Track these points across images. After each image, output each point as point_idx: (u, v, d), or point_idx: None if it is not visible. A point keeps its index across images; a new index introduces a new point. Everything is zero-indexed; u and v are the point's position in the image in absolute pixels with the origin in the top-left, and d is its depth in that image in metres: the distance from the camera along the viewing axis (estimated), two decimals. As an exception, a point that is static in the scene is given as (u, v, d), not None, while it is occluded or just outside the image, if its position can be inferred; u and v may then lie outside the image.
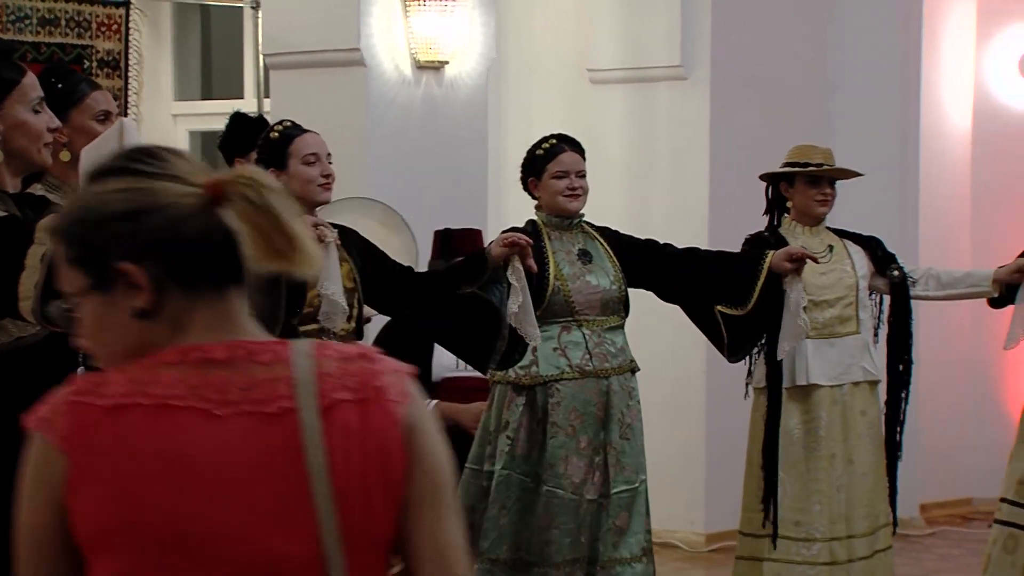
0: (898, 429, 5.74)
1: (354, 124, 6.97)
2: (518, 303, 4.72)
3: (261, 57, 7.73)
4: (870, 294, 5.78)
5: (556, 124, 8.71)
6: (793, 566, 5.53)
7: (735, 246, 5.81)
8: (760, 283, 5.20)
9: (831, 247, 5.72)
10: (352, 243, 4.70)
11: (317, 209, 5.89)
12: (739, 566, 5.70)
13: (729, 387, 8.06)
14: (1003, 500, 5.93)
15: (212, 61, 9.61)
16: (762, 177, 5.95)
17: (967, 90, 9.62)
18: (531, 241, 4.84)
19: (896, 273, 5.69)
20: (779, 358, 5.43)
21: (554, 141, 5.35)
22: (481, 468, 5.20)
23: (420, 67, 7.14)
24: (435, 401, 5.53)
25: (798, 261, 5.26)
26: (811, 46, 8.90)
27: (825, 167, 5.73)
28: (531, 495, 5.09)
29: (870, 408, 5.66)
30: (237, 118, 6.08)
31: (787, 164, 5.80)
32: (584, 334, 5.16)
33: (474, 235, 5.87)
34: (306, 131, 4.65)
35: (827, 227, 5.81)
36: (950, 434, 9.26)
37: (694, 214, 8.20)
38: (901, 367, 5.73)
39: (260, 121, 6.15)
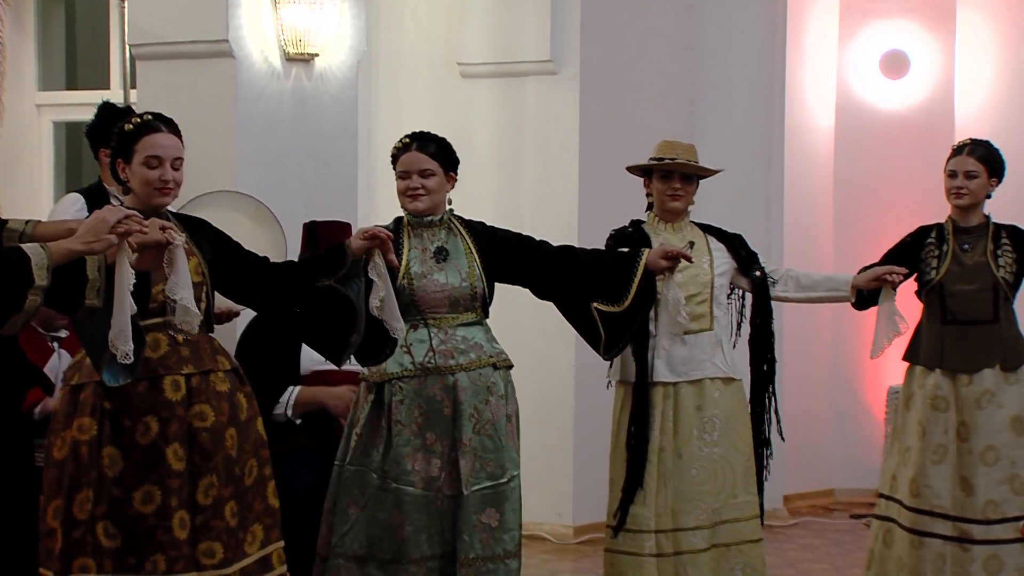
0: (765, 426, 5.78)
1: (223, 116, 6.90)
2: (380, 297, 4.66)
3: (127, 47, 7.63)
4: (731, 292, 5.81)
5: (426, 117, 8.70)
6: (624, 557, 5.55)
7: (604, 240, 5.85)
8: (637, 280, 5.25)
9: (692, 243, 5.69)
10: (204, 236, 4.58)
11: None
12: (622, 561, 5.65)
13: (598, 382, 8.14)
14: (880, 495, 6.07)
15: (77, 51, 9.45)
16: (629, 170, 5.94)
17: (830, 88, 9.79)
18: (391, 235, 4.77)
19: (757, 274, 5.72)
20: (660, 357, 5.51)
21: (406, 140, 5.27)
22: (343, 464, 5.17)
23: (289, 59, 7.09)
24: (297, 388, 5.50)
25: (673, 259, 5.30)
26: (678, 43, 8.99)
27: (668, 160, 5.70)
28: (382, 492, 5.06)
29: (720, 403, 5.63)
30: (106, 107, 6.00)
31: (651, 159, 5.80)
32: (430, 332, 5.12)
33: (343, 228, 5.83)
34: (160, 130, 4.45)
35: (692, 222, 5.81)
36: (812, 427, 9.41)
37: (563, 208, 8.25)
38: (765, 366, 5.78)
39: (128, 112, 6.08)
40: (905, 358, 6.06)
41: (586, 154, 8.33)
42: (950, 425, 5.85)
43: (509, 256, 5.29)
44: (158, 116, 4.53)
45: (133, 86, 7.64)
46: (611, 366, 5.69)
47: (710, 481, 5.59)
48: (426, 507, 5.05)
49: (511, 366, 5.32)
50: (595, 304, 5.27)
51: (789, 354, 8.83)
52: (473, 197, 8.40)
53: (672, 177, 5.71)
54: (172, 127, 4.53)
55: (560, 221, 8.13)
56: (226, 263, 4.60)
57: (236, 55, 6.88)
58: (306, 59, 7.12)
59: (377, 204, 8.61)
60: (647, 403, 5.56)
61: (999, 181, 5.96)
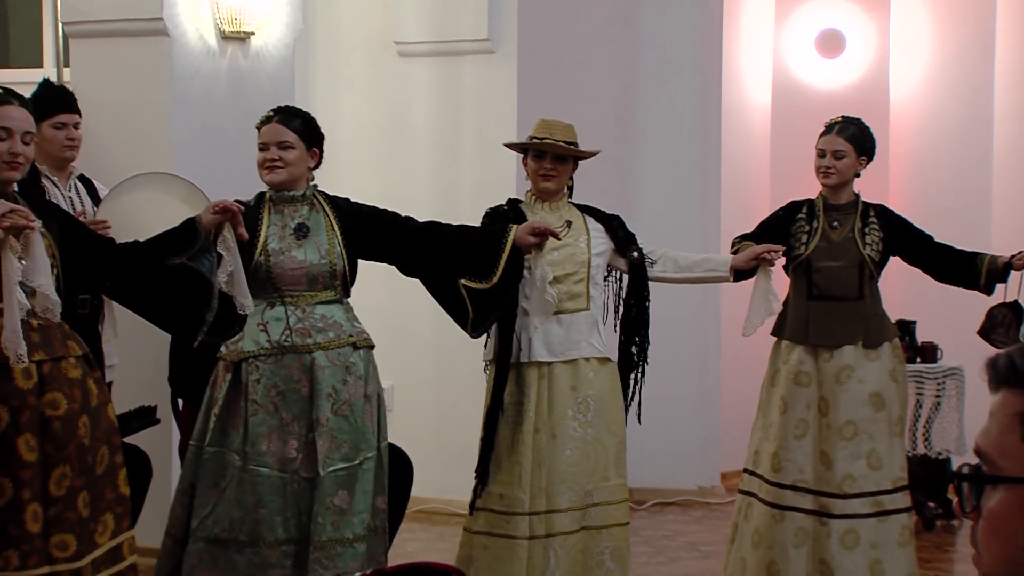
0: (637, 406, 5.71)
1: (157, 96, 6.85)
2: (228, 272, 4.59)
3: (60, 25, 7.55)
4: (609, 273, 5.74)
5: (363, 96, 8.70)
6: (496, 539, 5.46)
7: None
8: (504, 257, 5.18)
9: (569, 223, 5.63)
10: (52, 216, 4.45)
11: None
12: (476, 541, 5.58)
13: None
14: (744, 470, 6.12)
15: (9, 29, 9.34)
16: (507, 147, 5.91)
17: (766, 66, 9.84)
18: (242, 208, 4.71)
19: (635, 254, 5.66)
20: (531, 335, 5.42)
21: (270, 114, 5.18)
22: (202, 445, 5.06)
23: (225, 38, 7.04)
24: None
25: (540, 235, 5.24)
26: (615, 22, 9.01)
27: (538, 140, 5.58)
28: (243, 473, 4.98)
29: (594, 384, 5.55)
30: (46, 85, 5.95)
31: (529, 137, 5.70)
32: (287, 310, 5.04)
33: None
34: (10, 103, 4.35)
35: (570, 202, 5.72)
36: (748, 405, 9.47)
37: (501, 187, 8.23)
38: (634, 348, 5.72)
39: (62, 90, 6.04)
40: (773, 333, 6.08)
41: (524, 133, 8.31)
42: (811, 400, 5.90)
43: (373, 233, 5.20)
44: (8, 91, 4.44)
45: (67, 65, 7.56)
46: (485, 346, 5.61)
47: (583, 462, 5.52)
48: (282, 489, 4.97)
49: (372, 346, 5.24)
50: (463, 281, 5.21)
51: (725, 333, 8.89)
52: (410, 176, 8.42)
53: (544, 157, 5.60)
54: (23, 102, 4.44)
55: (498, 199, 8.12)
56: (73, 245, 4.47)
57: (171, 33, 6.82)
58: (242, 37, 7.08)
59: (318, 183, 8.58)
60: (504, 381, 5.47)
61: (868, 160, 6.01)
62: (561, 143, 5.57)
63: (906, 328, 8.47)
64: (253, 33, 7.11)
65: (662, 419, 8.93)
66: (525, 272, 5.29)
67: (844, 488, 5.82)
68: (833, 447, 5.83)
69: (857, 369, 5.88)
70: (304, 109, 5.39)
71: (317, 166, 5.26)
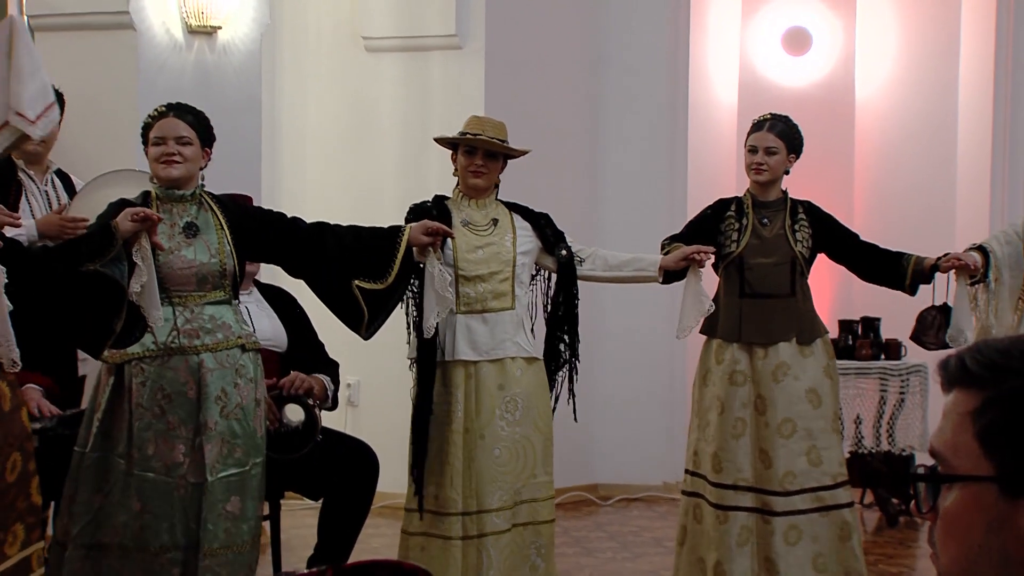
0: (572, 405, 5.68)
1: (124, 90, 6.84)
2: (141, 282, 4.51)
3: (27, 18, 7.51)
4: (536, 271, 5.69)
5: (330, 92, 8.69)
6: (433, 539, 5.41)
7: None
8: (400, 256, 5.11)
9: (496, 220, 5.57)
10: None
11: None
12: (412, 542, 5.51)
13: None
14: (687, 472, 6.07)
15: (-26, 21, 9.30)
16: (437, 142, 5.78)
17: (733, 64, 9.86)
18: (160, 217, 4.62)
19: (563, 252, 5.61)
20: (426, 336, 5.31)
21: (161, 109, 5.01)
22: (84, 450, 4.91)
23: (192, 32, 7.03)
24: None
25: (435, 234, 5.17)
26: (582, 19, 9.02)
27: (471, 136, 5.54)
28: (128, 478, 4.81)
29: (521, 383, 5.50)
30: None
31: (459, 133, 5.64)
32: (175, 310, 4.85)
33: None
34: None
35: (499, 200, 5.67)
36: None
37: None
38: (562, 346, 5.70)
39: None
40: (703, 332, 6.04)
41: (491, 129, 8.34)
42: (748, 399, 5.88)
43: (261, 233, 5.06)
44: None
45: (32, 58, 7.52)
46: (409, 344, 5.51)
47: (512, 461, 5.47)
48: (168, 494, 4.81)
49: (259, 349, 5.11)
50: (356, 282, 5.12)
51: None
52: (377, 171, 8.42)
53: (475, 153, 5.55)
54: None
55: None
56: None
57: (137, 27, 6.81)
58: (208, 32, 7.07)
59: (281, 177, 8.57)
60: (431, 380, 5.43)
61: (797, 157, 5.99)
62: (494, 140, 5.53)
63: (870, 325, 8.52)
64: (220, 27, 7.10)
65: (628, 416, 8.97)
66: (434, 272, 5.20)
67: (785, 485, 5.81)
68: (772, 445, 5.82)
69: (793, 366, 5.86)
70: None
71: (205, 166, 5.06)
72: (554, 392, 5.68)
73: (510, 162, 8.05)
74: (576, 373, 5.75)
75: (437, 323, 5.30)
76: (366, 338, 5.33)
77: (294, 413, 5.61)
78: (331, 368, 5.85)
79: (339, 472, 5.65)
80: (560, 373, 5.70)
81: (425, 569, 2.80)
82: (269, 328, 5.74)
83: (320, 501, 5.76)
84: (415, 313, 5.42)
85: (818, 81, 9.99)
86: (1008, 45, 8.95)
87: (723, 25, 9.81)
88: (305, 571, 3.28)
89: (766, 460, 5.84)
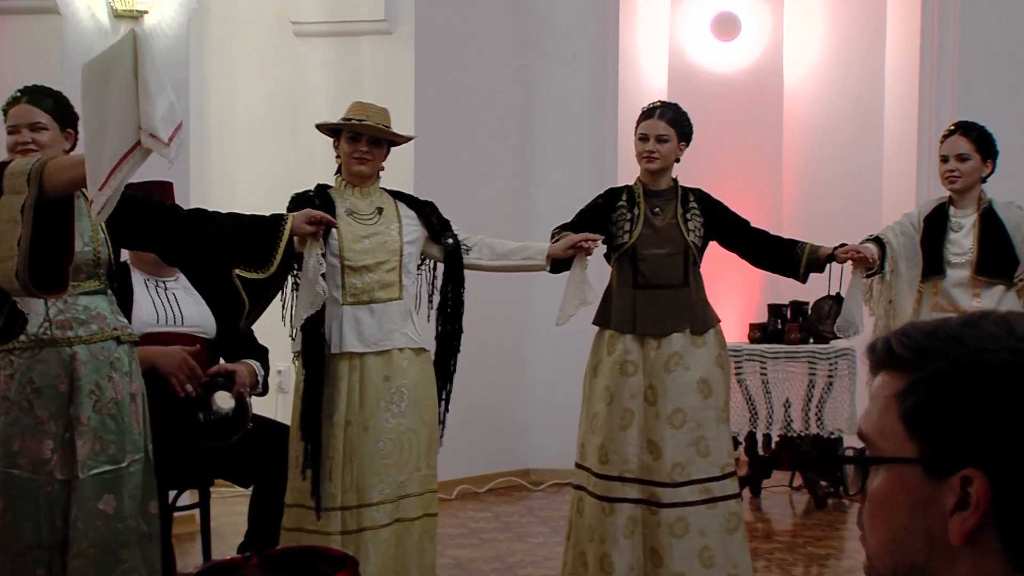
0: (445, 397, 5.61)
1: (48, 75, 6.72)
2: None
3: (-52, 2, 7.42)
4: (422, 261, 5.62)
5: (259, 77, 8.64)
6: (308, 535, 5.28)
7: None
8: (282, 245, 4.95)
9: (381, 209, 5.48)
10: None
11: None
12: (287, 538, 5.37)
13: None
14: (576, 465, 6.01)
15: None
16: (318, 128, 5.65)
17: (662, 49, 9.89)
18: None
19: (450, 241, 5.55)
20: (298, 326, 5.21)
21: (17, 94, 4.84)
22: None
23: (118, 16, 6.96)
24: None
25: (317, 224, 5.06)
26: (512, 4, 9.02)
27: (355, 122, 5.43)
28: None
29: (408, 374, 5.41)
30: None
31: (342, 119, 5.54)
32: (46, 301, 4.55)
33: (165, 187, 5.72)
34: None
35: (383, 188, 5.57)
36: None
37: (399, 168, 8.22)
38: (451, 336, 5.62)
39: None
40: (595, 323, 5.97)
41: (421, 113, 8.34)
42: (637, 390, 5.81)
43: (135, 220, 4.81)
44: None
45: (-45, 42, 7.43)
46: (295, 338, 5.38)
47: (396, 454, 5.37)
48: (33, 492, 4.57)
49: (136, 341, 4.89)
50: (237, 271, 5.02)
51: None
52: (307, 157, 8.37)
53: (359, 140, 5.45)
54: None
55: (395, 180, 8.11)
56: None
57: (62, 12, 6.73)
58: (135, 16, 7.00)
59: (210, 164, 8.51)
60: (321, 373, 5.30)
61: (687, 145, 5.97)
62: (379, 125, 5.44)
63: (799, 310, 8.59)
64: (146, 12, 7.03)
65: (557, 402, 8.98)
66: (321, 262, 5.09)
67: (674, 476, 5.75)
68: (662, 436, 5.75)
69: (685, 356, 5.81)
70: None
71: (72, 148, 4.84)
72: (450, 383, 5.60)
73: (440, 147, 8.03)
74: (455, 366, 5.64)
75: (312, 314, 5.18)
76: (244, 329, 5.23)
77: (224, 401, 5.58)
78: (261, 354, 5.81)
79: (269, 459, 5.61)
80: (453, 362, 5.60)
81: (353, 556, 2.78)
82: (197, 314, 5.69)
83: (251, 488, 5.73)
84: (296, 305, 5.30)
85: (747, 66, 10.05)
86: (933, 29, 9.03)
87: (653, 10, 9.84)
88: (228, 558, 3.23)
89: (655, 451, 5.77)
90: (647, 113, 5.94)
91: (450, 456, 8.59)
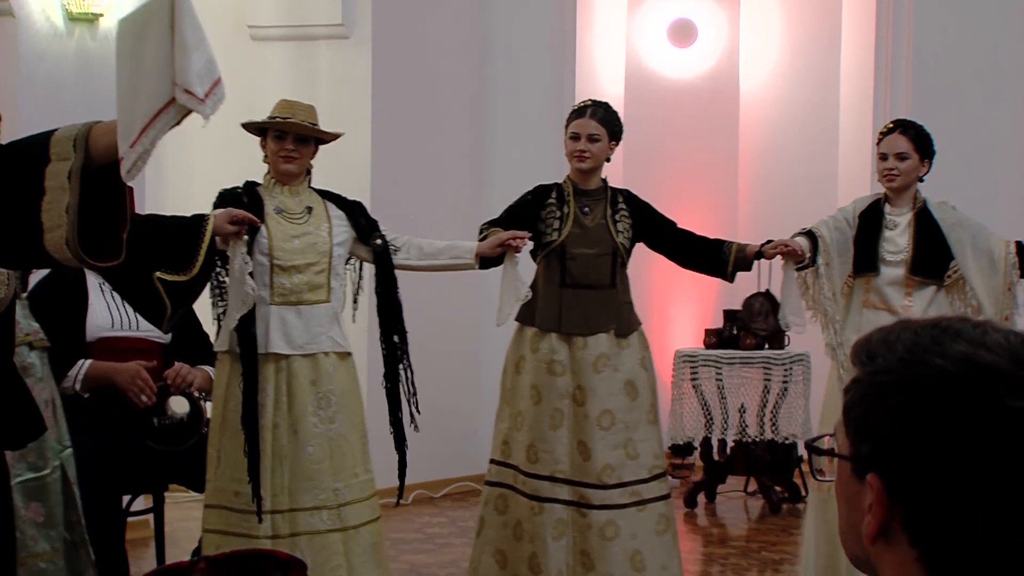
0: (404, 401, 5.51)
1: (4, 77, 6.72)
2: None
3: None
4: (349, 261, 5.55)
5: (215, 80, 8.60)
6: (232, 538, 5.19)
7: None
8: (204, 246, 4.88)
9: (310, 208, 5.41)
10: None
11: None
12: (208, 540, 5.29)
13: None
14: (492, 461, 5.94)
15: None
16: (244, 127, 5.56)
17: (619, 56, 9.92)
18: None
19: (378, 242, 5.47)
20: (231, 327, 5.12)
21: None
22: None
23: (73, 19, 6.92)
24: (88, 361, 5.35)
25: (240, 223, 5.00)
26: (470, 9, 9.03)
27: (279, 119, 5.36)
28: None
29: (335, 379, 5.34)
30: None
31: (268, 117, 5.47)
32: None
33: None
34: None
35: (312, 188, 5.50)
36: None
37: (356, 172, 8.23)
38: (395, 337, 5.53)
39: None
40: (517, 319, 5.88)
41: (378, 118, 8.34)
42: (566, 390, 5.77)
43: None
44: None
45: (-92, 44, 7.37)
46: (217, 336, 5.32)
47: (328, 459, 5.29)
48: None
49: (48, 347, 4.78)
50: (158, 273, 4.95)
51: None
52: (263, 162, 8.35)
53: (286, 138, 5.37)
54: None
55: (353, 184, 8.10)
56: None
57: (16, 14, 6.69)
58: (90, 19, 6.97)
59: (166, 168, 8.48)
60: (255, 375, 5.20)
61: (617, 144, 5.94)
62: (305, 123, 5.38)
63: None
64: (102, 15, 7.00)
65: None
66: (247, 260, 5.02)
67: (603, 478, 5.72)
68: (591, 437, 5.73)
69: (612, 358, 5.79)
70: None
71: None
72: (397, 385, 5.50)
73: (396, 151, 8.02)
74: (409, 367, 5.55)
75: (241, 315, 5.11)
76: (166, 332, 5.15)
77: (179, 405, 5.55)
78: (216, 358, 5.79)
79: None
80: (401, 365, 5.51)
81: (301, 559, 2.76)
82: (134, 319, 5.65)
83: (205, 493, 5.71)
84: (222, 306, 5.22)
85: (703, 73, 10.08)
86: (888, 35, 9.09)
87: (609, 16, 9.86)
88: (175, 563, 3.19)
89: (585, 452, 5.74)
90: (578, 112, 5.90)
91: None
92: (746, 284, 7.63)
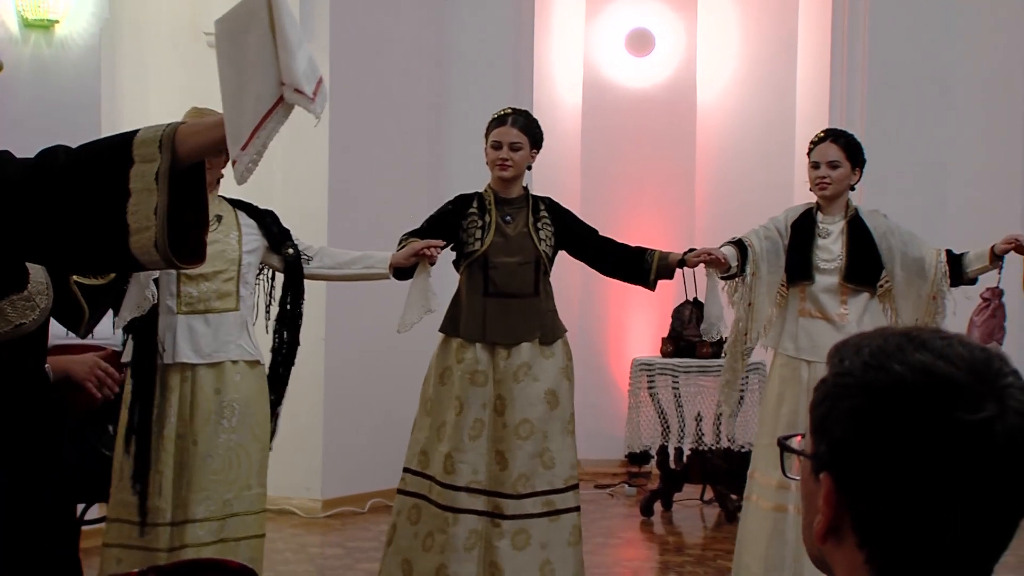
0: (277, 414, 5.49)
1: (-43, 83, 6.68)
2: None
3: None
4: (261, 271, 5.50)
5: (172, 87, 8.57)
6: (132, 551, 5.12)
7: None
8: None
9: (220, 217, 5.34)
10: None
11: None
12: (108, 554, 5.20)
13: (347, 355, 8.14)
14: (407, 471, 5.90)
15: None
16: None
17: (577, 65, 9.95)
18: None
19: (290, 251, 5.43)
20: (115, 330, 5.06)
21: None
22: None
23: (28, 25, 6.88)
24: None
25: None
26: (427, 17, 9.03)
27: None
28: None
29: (240, 388, 5.28)
30: None
31: None
32: None
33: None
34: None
35: (221, 196, 5.41)
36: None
37: (315, 179, 8.23)
38: (286, 347, 5.49)
39: None
40: (442, 330, 5.92)
41: (335, 123, 8.32)
42: (487, 399, 5.76)
43: None
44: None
45: None
46: (124, 346, 5.26)
47: (225, 470, 5.24)
48: None
49: None
50: (75, 278, 4.79)
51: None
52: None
53: None
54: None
55: (311, 188, 8.12)
56: None
57: (-29, 20, 6.65)
58: (46, 25, 6.92)
59: (121, 175, 8.43)
60: (152, 384, 5.16)
61: (538, 151, 5.89)
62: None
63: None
64: (57, 21, 6.96)
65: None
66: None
67: (518, 488, 5.70)
68: (509, 447, 5.71)
69: (534, 367, 5.77)
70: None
71: None
72: (282, 394, 5.46)
73: (353, 158, 7.97)
74: (287, 377, 5.50)
75: (146, 324, 5.05)
76: (83, 337, 5.14)
77: None
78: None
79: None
80: (286, 376, 5.46)
81: (252, 569, 2.74)
82: (107, 325, 5.62)
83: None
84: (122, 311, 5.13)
85: (661, 82, 10.12)
86: (843, 46, 9.15)
87: (567, 26, 9.89)
88: (122, 574, 3.15)
89: (502, 462, 5.72)
90: (498, 120, 5.88)
91: (363, 471, 8.56)
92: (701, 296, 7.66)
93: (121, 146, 2.70)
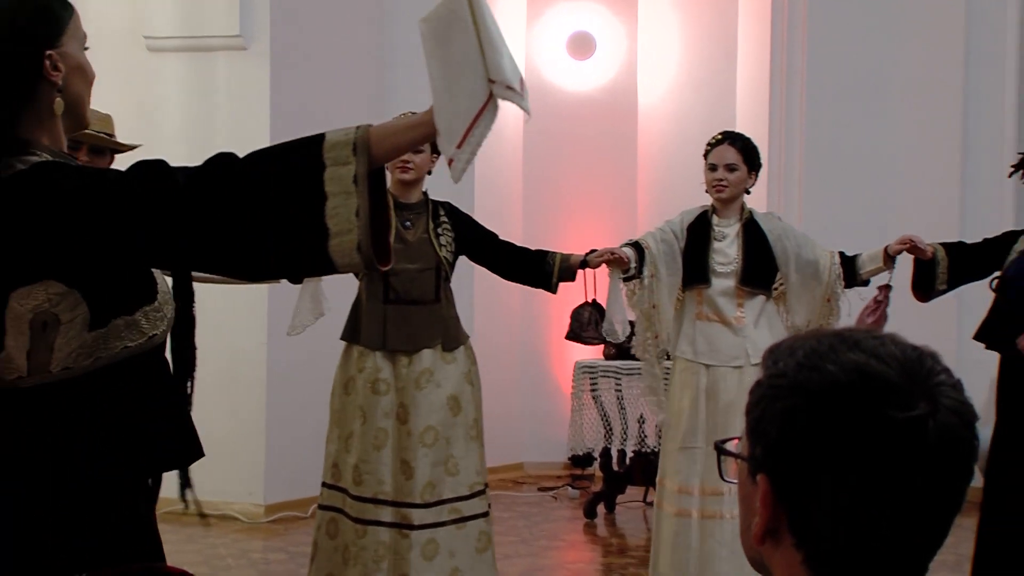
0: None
1: None
2: None
3: None
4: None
5: (112, 92, 8.48)
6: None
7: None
8: None
9: None
10: None
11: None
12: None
13: (290, 359, 8.11)
14: (323, 484, 5.88)
15: None
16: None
17: (518, 67, 9.94)
18: None
19: None
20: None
21: None
22: None
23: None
24: None
25: None
26: (369, 20, 9.02)
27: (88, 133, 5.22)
28: None
29: None
30: None
31: None
32: None
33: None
34: None
35: None
36: (503, 403, 9.57)
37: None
38: (187, 353, 5.37)
39: None
40: (344, 338, 5.87)
41: (277, 130, 8.28)
42: (390, 408, 5.73)
43: None
44: None
45: None
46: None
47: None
48: None
49: None
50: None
51: (480, 329, 8.97)
52: (161, 173, 8.28)
53: (80, 148, 5.24)
54: None
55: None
56: None
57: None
58: None
59: (60, 180, 8.37)
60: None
61: (439, 156, 5.96)
62: (100, 134, 5.29)
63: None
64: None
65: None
66: None
67: (425, 497, 5.66)
68: (414, 455, 5.67)
69: (436, 373, 5.73)
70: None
71: None
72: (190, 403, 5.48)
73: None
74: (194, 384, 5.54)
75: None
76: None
77: None
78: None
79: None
80: (190, 384, 5.47)
81: (190, 573, 2.72)
82: None
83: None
84: None
85: (602, 85, 10.15)
86: (782, 50, 9.21)
87: (508, 28, 9.87)
88: (107, 570, 3.13)
89: (408, 471, 5.67)
90: None
91: (306, 475, 8.53)
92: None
93: (307, 149, 2.74)
